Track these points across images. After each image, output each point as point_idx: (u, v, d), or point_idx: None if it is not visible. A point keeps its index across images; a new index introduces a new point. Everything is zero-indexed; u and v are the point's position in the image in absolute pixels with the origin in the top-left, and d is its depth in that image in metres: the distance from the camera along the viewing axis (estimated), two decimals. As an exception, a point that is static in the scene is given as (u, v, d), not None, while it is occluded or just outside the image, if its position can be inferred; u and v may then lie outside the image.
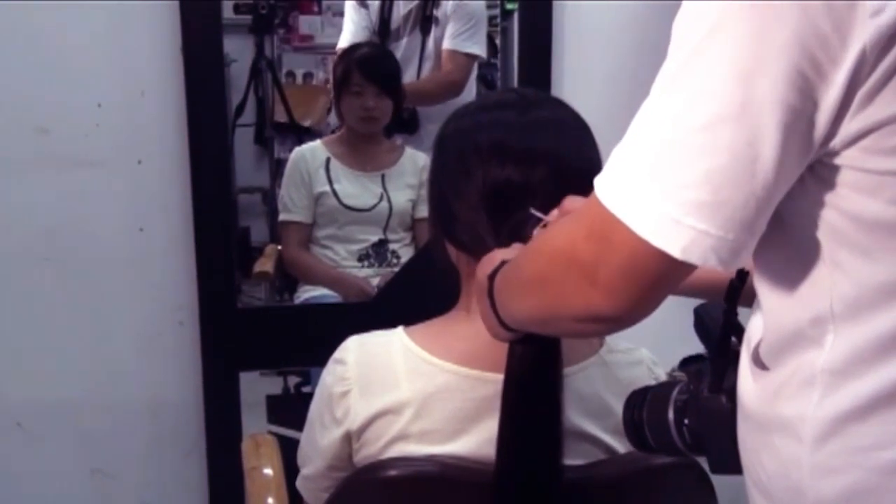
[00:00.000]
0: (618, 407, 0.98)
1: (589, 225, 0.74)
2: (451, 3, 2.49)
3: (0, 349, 1.91)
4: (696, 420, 0.86)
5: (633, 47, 2.01)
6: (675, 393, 0.88)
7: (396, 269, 2.35)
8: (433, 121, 2.46)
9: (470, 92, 2.51)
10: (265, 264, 2.50)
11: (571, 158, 1.08)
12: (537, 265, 0.84)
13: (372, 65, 2.41)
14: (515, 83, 2.18)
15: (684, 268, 0.70)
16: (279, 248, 2.49)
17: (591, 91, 2.01)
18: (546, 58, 2.04)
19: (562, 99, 1.18)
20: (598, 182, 0.73)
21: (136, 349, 1.97)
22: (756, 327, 0.79)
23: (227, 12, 2.30)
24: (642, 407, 0.91)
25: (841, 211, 0.69)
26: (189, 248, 1.92)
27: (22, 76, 1.82)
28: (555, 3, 2.03)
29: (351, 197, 2.41)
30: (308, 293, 2.41)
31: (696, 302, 0.98)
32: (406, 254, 2.43)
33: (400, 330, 1.13)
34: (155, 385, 1.99)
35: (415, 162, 2.45)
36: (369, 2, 2.55)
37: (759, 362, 0.78)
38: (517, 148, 1.07)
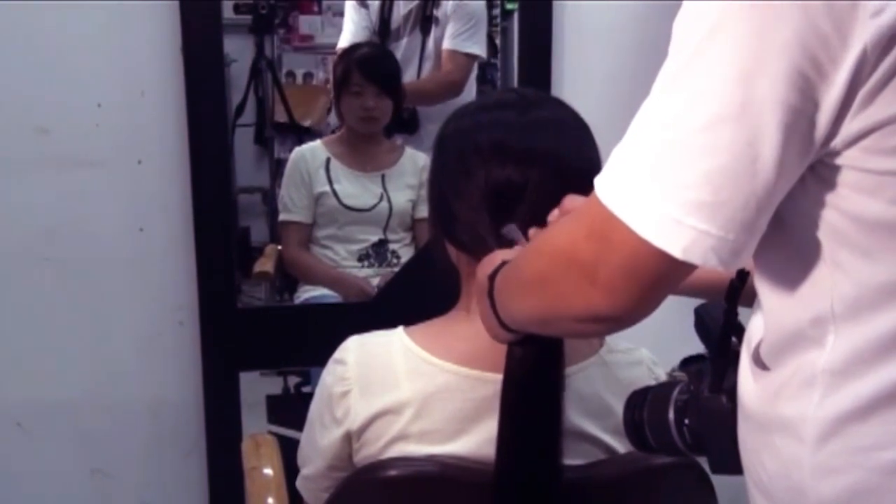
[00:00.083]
0: (618, 407, 0.98)
1: (589, 225, 0.74)
2: (451, 3, 2.49)
3: (0, 349, 1.91)
4: (696, 420, 0.86)
5: (633, 47, 2.01)
6: (675, 393, 0.88)
7: (396, 269, 2.35)
8: (433, 121, 2.46)
9: (470, 92, 2.51)
10: (265, 264, 2.50)
11: (571, 158, 1.08)
12: (537, 265, 0.84)
13: (372, 65, 2.41)
14: (515, 83, 2.18)
15: (685, 268, 0.70)
16: (279, 248, 2.49)
17: (591, 91, 2.01)
18: (546, 58, 2.04)
19: (562, 99, 1.18)
20: (599, 182, 0.73)
21: (136, 349, 1.97)
22: (756, 327, 0.79)
23: (227, 12, 2.30)
24: (643, 407, 0.91)
25: (841, 211, 0.69)
26: (189, 248, 1.92)
27: (22, 76, 1.82)
28: (555, 3, 2.02)
29: (351, 197, 2.41)
30: (308, 293, 2.41)
31: (697, 302, 0.98)
32: (406, 254, 2.43)
33: (400, 330, 1.13)
34: (155, 385, 1.99)
35: (415, 162, 2.45)
36: (369, 2, 2.55)
37: (759, 362, 0.78)
38: (517, 148, 1.07)
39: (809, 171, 0.70)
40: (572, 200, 0.95)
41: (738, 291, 0.83)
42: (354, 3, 2.57)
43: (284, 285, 2.58)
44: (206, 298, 1.94)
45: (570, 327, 0.84)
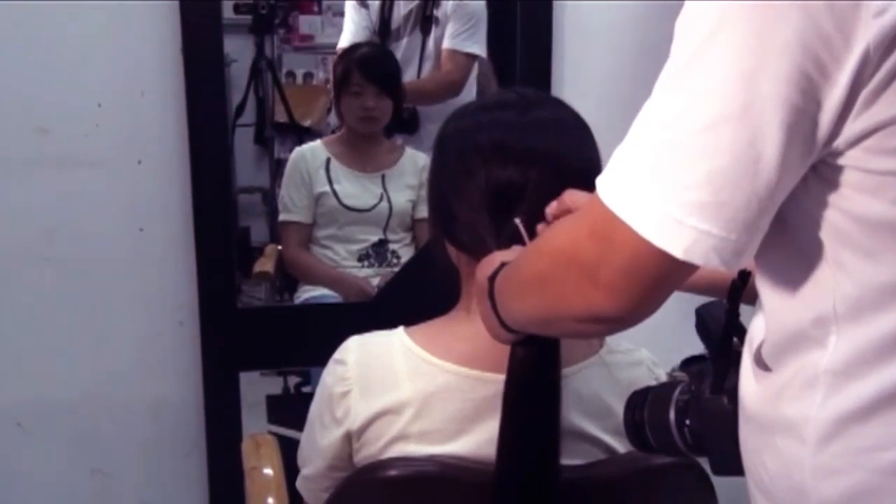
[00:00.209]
0: (618, 407, 0.98)
1: (590, 225, 0.74)
2: (451, 3, 2.49)
3: (0, 349, 1.91)
4: (697, 421, 0.85)
5: (633, 47, 2.01)
6: (676, 393, 0.88)
7: (396, 270, 2.35)
8: (433, 121, 2.46)
9: (470, 92, 2.50)
10: (265, 264, 2.50)
11: (571, 158, 1.08)
12: (538, 265, 0.84)
13: (372, 65, 2.41)
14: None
15: (686, 268, 0.70)
16: (279, 248, 2.49)
17: (591, 91, 2.01)
18: (546, 58, 2.04)
19: (562, 99, 1.18)
20: (600, 182, 0.73)
21: (136, 349, 1.97)
22: (758, 328, 0.79)
23: (227, 12, 2.30)
24: (643, 407, 0.91)
25: (844, 211, 0.69)
26: (189, 248, 1.92)
27: (22, 76, 1.82)
28: (555, 2, 2.02)
29: (351, 197, 2.41)
30: (308, 293, 2.41)
31: (698, 302, 0.98)
32: (406, 254, 2.43)
33: (400, 330, 1.13)
34: (155, 385, 1.99)
35: (415, 162, 2.45)
36: (369, 2, 2.54)
37: (761, 363, 0.78)
38: (517, 148, 1.07)
39: (811, 171, 0.70)
40: (572, 195, 0.96)
41: (740, 292, 0.83)
42: (354, 3, 2.57)
43: (284, 285, 2.57)
44: (206, 298, 1.94)
45: (571, 327, 0.84)
